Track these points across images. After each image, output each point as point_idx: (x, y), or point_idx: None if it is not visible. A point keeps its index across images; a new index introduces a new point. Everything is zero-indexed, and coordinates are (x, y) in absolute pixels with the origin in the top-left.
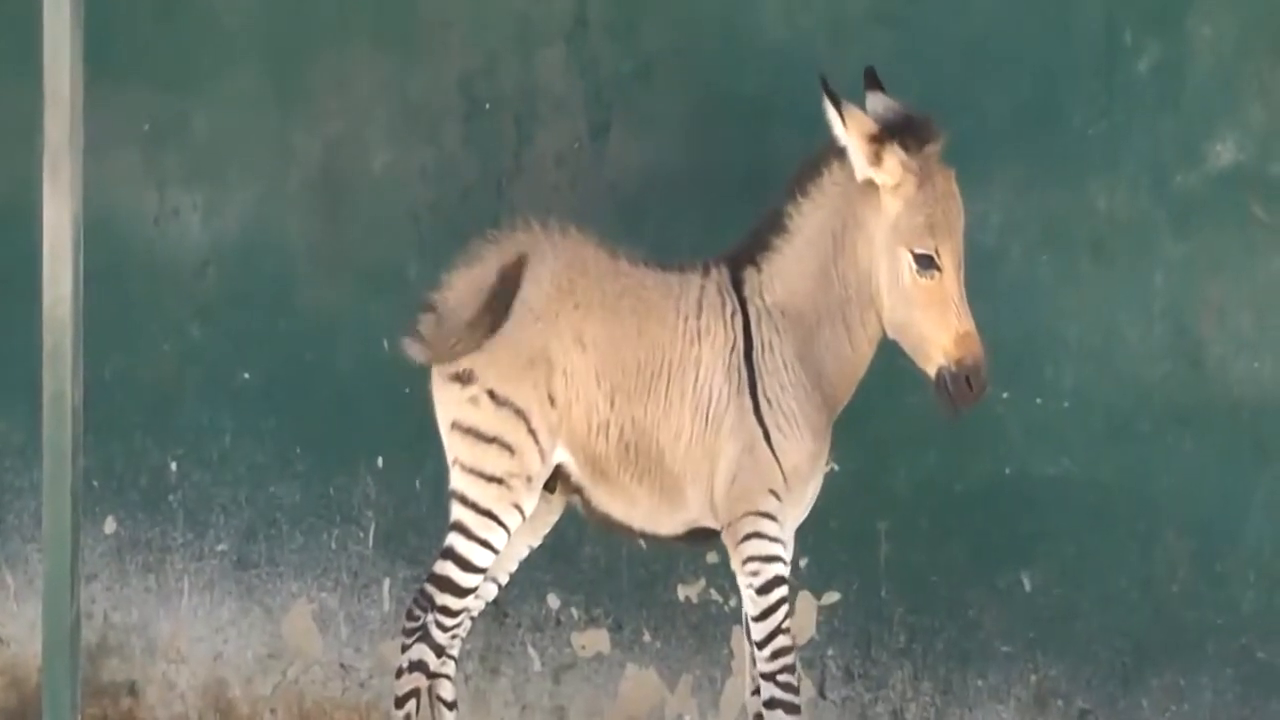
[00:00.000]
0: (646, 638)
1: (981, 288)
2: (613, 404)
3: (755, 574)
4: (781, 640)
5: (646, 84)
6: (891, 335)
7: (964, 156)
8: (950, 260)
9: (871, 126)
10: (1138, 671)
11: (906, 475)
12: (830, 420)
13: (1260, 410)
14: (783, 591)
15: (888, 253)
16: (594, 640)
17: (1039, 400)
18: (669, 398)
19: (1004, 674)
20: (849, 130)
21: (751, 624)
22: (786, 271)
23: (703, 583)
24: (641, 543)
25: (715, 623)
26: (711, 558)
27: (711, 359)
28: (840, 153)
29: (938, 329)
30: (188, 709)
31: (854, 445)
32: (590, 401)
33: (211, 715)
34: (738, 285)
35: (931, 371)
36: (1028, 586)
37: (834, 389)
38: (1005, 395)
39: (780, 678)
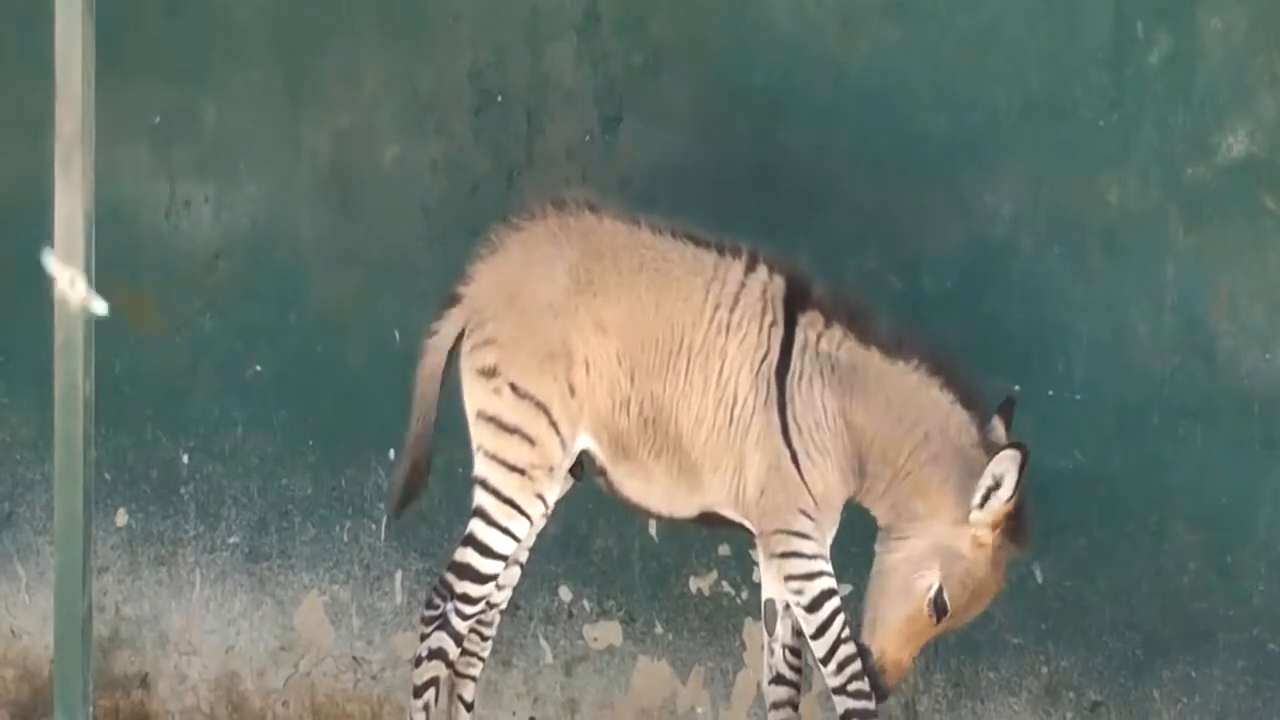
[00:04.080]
0: (658, 630)
1: (993, 281)
2: (633, 380)
3: (800, 592)
4: (844, 651)
5: (657, 77)
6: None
7: (975, 150)
8: (945, 625)
9: (1009, 507)
10: (1149, 663)
11: None
12: (852, 489)
13: (1271, 403)
14: (834, 604)
15: (932, 547)
16: (606, 632)
17: (1050, 393)
18: (689, 379)
19: (1015, 666)
20: (1010, 496)
21: (810, 642)
22: (870, 377)
23: (715, 575)
24: (653, 533)
25: (727, 615)
26: (723, 550)
27: (738, 358)
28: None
29: (895, 638)
30: (199, 701)
31: None
32: (613, 379)
33: (223, 708)
34: (793, 307)
35: (865, 639)
36: (1039, 578)
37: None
38: (1017, 388)
39: (850, 687)
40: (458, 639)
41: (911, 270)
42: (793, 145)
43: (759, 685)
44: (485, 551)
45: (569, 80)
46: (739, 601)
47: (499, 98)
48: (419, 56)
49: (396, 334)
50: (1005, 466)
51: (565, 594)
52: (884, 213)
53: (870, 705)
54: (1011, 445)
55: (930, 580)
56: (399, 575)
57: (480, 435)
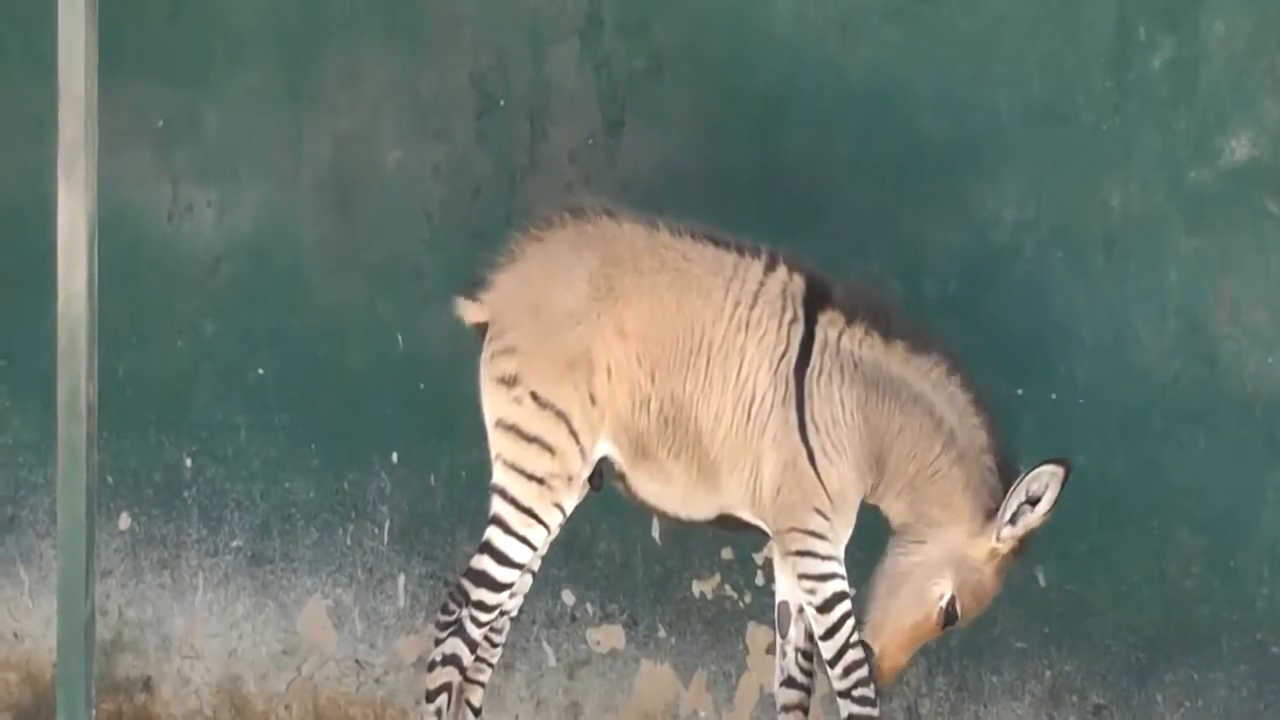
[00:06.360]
0: (661, 633)
1: (995, 285)
2: (653, 379)
3: (812, 592)
4: (852, 655)
5: (659, 80)
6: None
7: (976, 154)
8: (952, 623)
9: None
10: (1152, 667)
11: None
12: (869, 485)
13: (1274, 406)
14: (845, 607)
15: (947, 557)
16: (609, 636)
17: (1053, 396)
18: (709, 377)
19: (1018, 670)
20: (1047, 513)
21: (820, 642)
22: (895, 373)
23: (717, 578)
24: (655, 537)
25: (730, 618)
26: (726, 553)
27: (757, 356)
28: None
29: (899, 641)
30: (202, 705)
31: None
32: (633, 380)
33: (226, 711)
34: (812, 306)
35: (866, 638)
36: (1042, 582)
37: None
38: (1020, 392)
39: (856, 692)
40: (472, 646)
41: (913, 274)
42: (794, 149)
43: (762, 689)
44: (502, 560)
45: (571, 84)
46: (742, 605)
47: (501, 101)
48: (421, 60)
49: (399, 338)
50: (1045, 482)
51: (568, 598)
52: (885, 217)
53: (874, 712)
54: (1052, 460)
55: (943, 589)
56: (402, 579)
57: (499, 444)
